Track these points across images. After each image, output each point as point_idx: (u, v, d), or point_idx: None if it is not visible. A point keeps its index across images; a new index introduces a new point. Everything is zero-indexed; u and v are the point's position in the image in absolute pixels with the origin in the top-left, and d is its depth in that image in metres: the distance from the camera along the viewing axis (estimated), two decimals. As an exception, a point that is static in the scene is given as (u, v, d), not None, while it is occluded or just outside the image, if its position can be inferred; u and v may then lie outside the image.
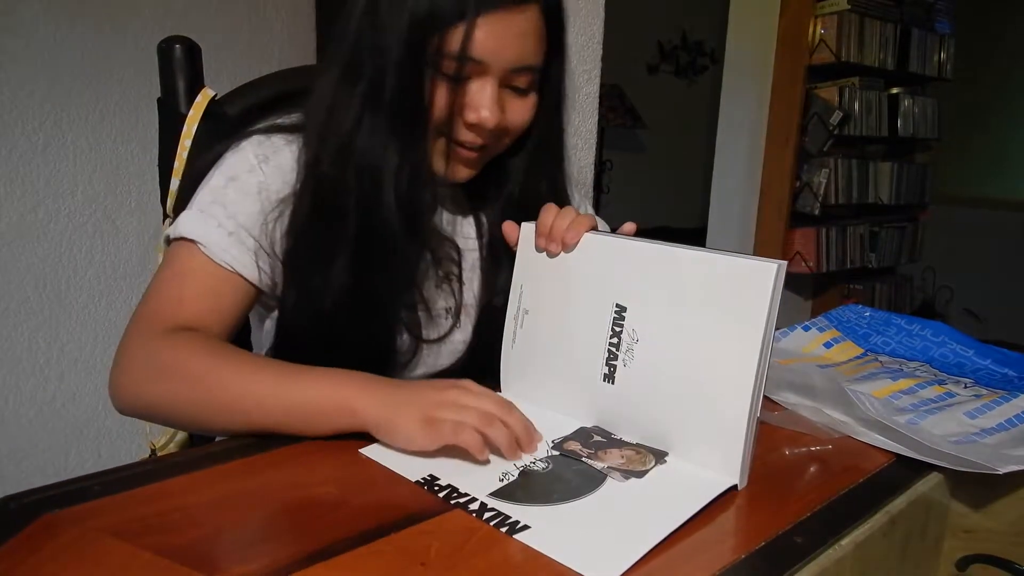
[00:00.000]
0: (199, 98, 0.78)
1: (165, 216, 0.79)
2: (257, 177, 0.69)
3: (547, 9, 0.67)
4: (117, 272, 1.62)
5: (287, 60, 1.79)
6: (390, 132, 0.66)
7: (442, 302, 0.77)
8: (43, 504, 0.48)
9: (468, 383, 0.61)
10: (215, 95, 0.79)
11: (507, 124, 0.69)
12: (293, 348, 0.68)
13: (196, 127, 0.77)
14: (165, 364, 0.62)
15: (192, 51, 0.79)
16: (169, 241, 0.70)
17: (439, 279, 0.76)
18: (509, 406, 0.60)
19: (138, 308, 0.67)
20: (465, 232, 0.80)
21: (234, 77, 0.83)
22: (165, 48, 0.78)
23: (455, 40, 0.62)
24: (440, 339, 0.77)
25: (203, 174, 0.72)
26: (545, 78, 0.71)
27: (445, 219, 0.78)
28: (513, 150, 0.75)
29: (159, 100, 0.79)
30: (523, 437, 0.59)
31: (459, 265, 0.77)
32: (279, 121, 0.73)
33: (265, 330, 0.77)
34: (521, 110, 0.70)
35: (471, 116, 0.66)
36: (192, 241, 0.67)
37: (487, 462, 0.56)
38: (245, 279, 0.68)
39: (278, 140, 0.71)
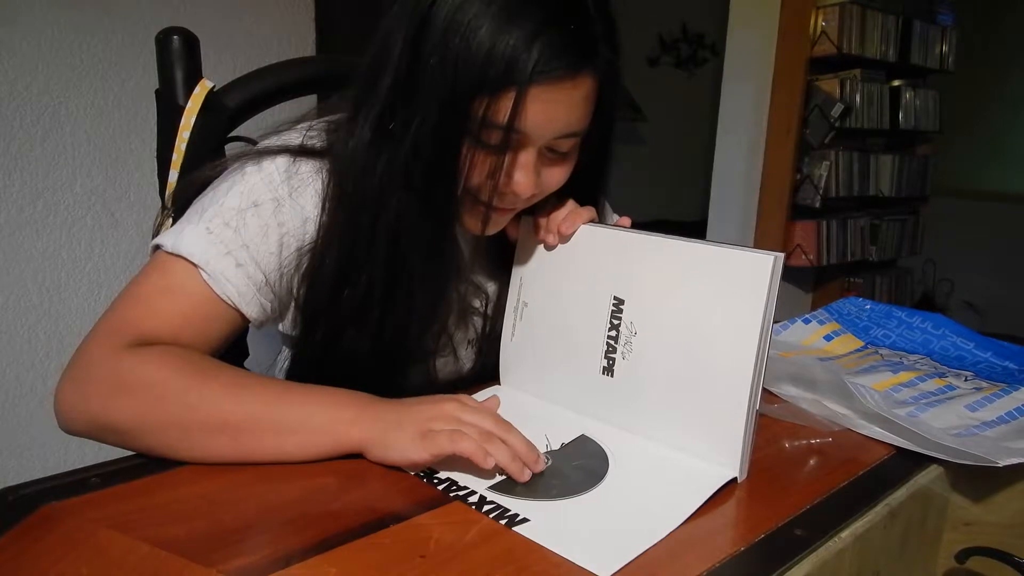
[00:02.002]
0: (197, 90, 0.77)
1: (163, 208, 0.79)
2: (280, 216, 0.63)
3: (602, 74, 0.60)
4: (117, 265, 1.62)
5: (286, 51, 1.78)
6: (423, 199, 0.61)
7: (460, 335, 0.76)
8: (42, 496, 0.48)
9: (464, 397, 0.58)
10: (213, 87, 0.79)
11: (540, 189, 0.65)
12: (308, 370, 0.66)
13: (194, 119, 0.77)
14: (134, 378, 0.55)
15: (190, 42, 0.78)
16: (157, 248, 0.63)
17: (462, 317, 0.75)
18: (507, 425, 0.56)
19: (107, 313, 0.60)
20: (488, 268, 0.77)
21: (233, 68, 0.82)
22: (163, 40, 0.78)
23: (502, 109, 0.56)
24: (458, 373, 0.77)
25: (209, 178, 0.67)
26: (591, 132, 0.64)
27: (469, 258, 0.75)
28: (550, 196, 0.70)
29: (157, 92, 0.79)
30: (525, 456, 0.55)
31: (485, 305, 0.76)
32: (307, 142, 0.66)
33: (264, 332, 0.76)
34: (556, 175, 0.65)
35: (507, 186, 0.62)
36: (193, 264, 0.61)
37: (492, 472, 0.54)
38: (241, 314, 0.63)
39: (306, 170, 0.65)
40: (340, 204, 0.63)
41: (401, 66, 0.58)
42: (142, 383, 0.55)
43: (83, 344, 0.58)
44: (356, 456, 0.56)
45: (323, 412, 0.55)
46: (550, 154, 0.63)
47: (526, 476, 0.54)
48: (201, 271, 0.61)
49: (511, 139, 0.58)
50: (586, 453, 0.60)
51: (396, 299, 0.64)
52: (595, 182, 0.71)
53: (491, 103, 0.56)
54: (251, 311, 0.63)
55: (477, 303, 0.76)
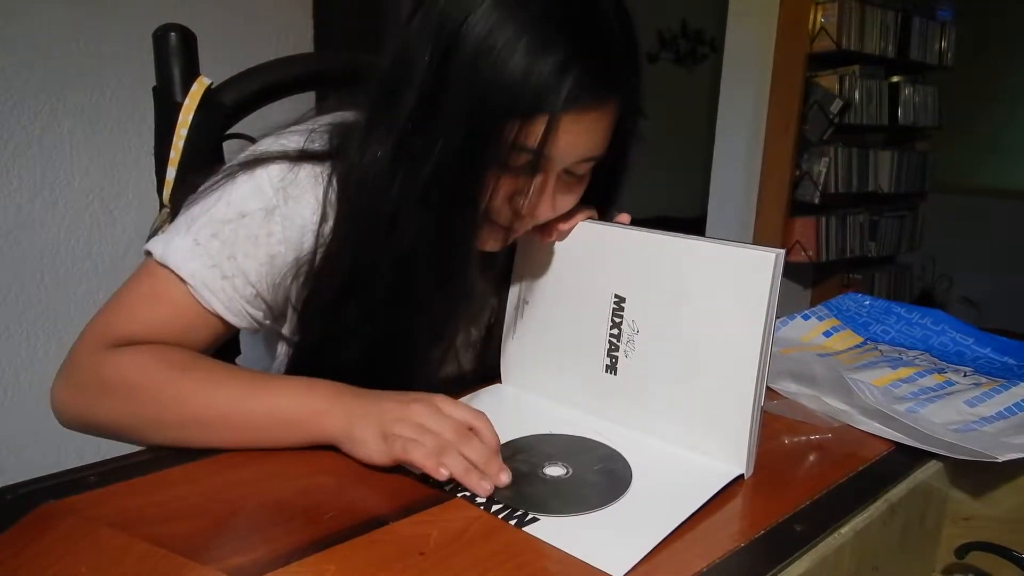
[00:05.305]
0: (195, 87, 0.77)
1: (161, 206, 0.79)
2: (270, 226, 0.62)
3: (626, 99, 0.61)
4: (115, 263, 1.62)
5: (284, 48, 1.77)
6: (442, 220, 0.60)
7: (462, 338, 0.76)
8: (40, 494, 0.48)
9: (436, 398, 0.57)
10: (211, 84, 0.78)
11: (555, 212, 0.64)
12: (306, 369, 0.65)
13: (192, 116, 0.77)
14: (110, 379, 0.59)
15: (188, 39, 0.78)
16: (148, 253, 0.64)
17: (465, 324, 0.75)
18: (468, 435, 0.54)
19: (96, 316, 0.63)
20: (492, 277, 0.76)
21: (230, 65, 0.82)
22: (160, 36, 0.77)
23: (532, 134, 0.56)
24: (458, 373, 0.76)
25: (204, 179, 0.66)
26: (608, 153, 0.63)
27: (478, 273, 0.73)
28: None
29: (155, 89, 0.79)
30: (484, 467, 0.53)
31: (491, 316, 0.76)
32: (307, 146, 0.65)
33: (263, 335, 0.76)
34: (569, 199, 0.64)
35: (526, 211, 0.62)
36: (180, 277, 0.62)
37: (448, 481, 0.52)
38: (225, 322, 0.64)
39: (304, 177, 0.64)
40: (349, 218, 0.63)
41: (425, 86, 0.57)
42: (121, 384, 0.58)
43: (73, 346, 0.62)
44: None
45: (294, 406, 0.57)
46: (567, 177, 0.63)
47: (485, 488, 0.51)
48: (187, 284, 0.62)
49: (539, 163, 0.58)
50: (602, 457, 0.59)
51: (400, 317, 0.64)
52: (607, 196, 0.71)
53: (522, 127, 0.56)
54: (238, 321, 0.64)
55: (483, 314, 0.75)
